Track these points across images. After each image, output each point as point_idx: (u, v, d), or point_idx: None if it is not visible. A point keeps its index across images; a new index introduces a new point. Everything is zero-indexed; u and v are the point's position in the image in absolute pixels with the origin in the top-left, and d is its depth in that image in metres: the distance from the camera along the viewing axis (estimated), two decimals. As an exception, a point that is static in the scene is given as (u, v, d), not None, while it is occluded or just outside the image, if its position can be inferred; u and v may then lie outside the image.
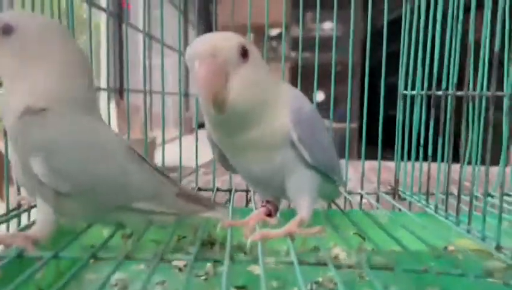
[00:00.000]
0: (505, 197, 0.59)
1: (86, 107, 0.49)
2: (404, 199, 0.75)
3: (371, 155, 0.86)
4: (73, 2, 0.74)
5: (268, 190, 0.57)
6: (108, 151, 0.49)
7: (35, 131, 0.45)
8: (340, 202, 0.75)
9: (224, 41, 0.44)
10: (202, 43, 0.44)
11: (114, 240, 0.52)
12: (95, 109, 0.51)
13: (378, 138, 0.79)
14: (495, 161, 0.52)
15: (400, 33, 0.77)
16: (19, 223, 0.60)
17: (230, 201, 0.67)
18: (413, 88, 0.73)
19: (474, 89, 0.59)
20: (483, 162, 0.53)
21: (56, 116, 0.46)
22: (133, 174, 0.49)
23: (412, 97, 0.74)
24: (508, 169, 0.60)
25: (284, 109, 0.49)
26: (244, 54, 0.44)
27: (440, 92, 0.60)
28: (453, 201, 0.62)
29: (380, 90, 0.77)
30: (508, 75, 0.48)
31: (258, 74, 0.46)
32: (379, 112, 0.79)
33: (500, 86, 0.49)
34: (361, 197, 0.75)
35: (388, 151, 0.83)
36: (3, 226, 0.57)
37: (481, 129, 0.69)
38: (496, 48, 0.46)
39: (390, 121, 0.80)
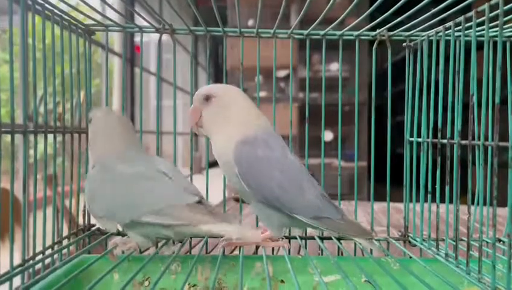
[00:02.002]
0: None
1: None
2: (415, 245, 0.75)
3: (380, 194, 0.86)
4: (91, 48, 0.79)
5: None
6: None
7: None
8: (350, 247, 0.75)
9: (198, 92, 0.67)
10: None
11: (126, 288, 0.53)
12: None
13: (387, 177, 0.80)
14: (504, 203, 0.53)
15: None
16: (23, 280, 0.58)
17: (239, 250, 0.67)
18: (419, 135, 0.75)
19: (479, 138, 0.60)
20: (491, 203, 0.54)
21: None
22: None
23: (418, 143, 0.75)
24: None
25: (233, 143, 0.63)
26: (207, 98, 0.65)
27: (445, 141, 0.62)
28: (463, 247, 0.62)
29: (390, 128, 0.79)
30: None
31: (216, 110, 0.65)
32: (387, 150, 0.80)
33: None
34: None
35: (397, 190, 0.83)
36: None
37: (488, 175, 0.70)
38: (497, 102, 0.48)
39: (399, 159, 0.81)
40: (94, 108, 0.72)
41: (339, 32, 0.79)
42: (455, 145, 0.59)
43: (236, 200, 1.62)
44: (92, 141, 0.68)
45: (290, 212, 0.62)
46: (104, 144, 0.66)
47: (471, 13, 0.58)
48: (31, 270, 0.59)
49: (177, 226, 0.56)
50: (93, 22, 0.77)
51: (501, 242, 0.76)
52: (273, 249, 0.77)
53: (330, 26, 0.77)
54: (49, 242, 0.65)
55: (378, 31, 0.78)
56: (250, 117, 0.66)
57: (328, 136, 3.09)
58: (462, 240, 0.70)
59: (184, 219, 0.55)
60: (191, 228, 0.56)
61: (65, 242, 0.69)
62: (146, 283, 0.64)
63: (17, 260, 0.58)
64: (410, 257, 0.69)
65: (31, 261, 0.59)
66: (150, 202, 0.57)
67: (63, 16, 0.69)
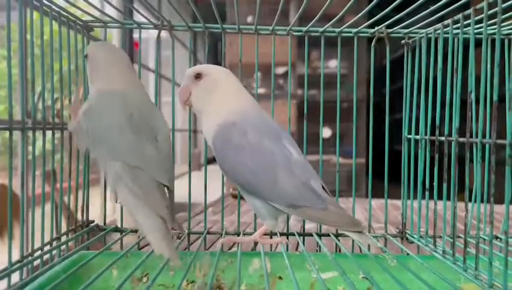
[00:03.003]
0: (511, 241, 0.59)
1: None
2: (412, 242, 0.75)
3: (378, 191, 0.86)
4: (89, 44, 0.79)
5: None
6: None
7: None
8: (348, 244, 0.76)
9: (189, 71, 0.68)
10: None
11: (124, 285, 0.53)
12: None
13: (385, 174, 0.80)
14: (501, 200, 0.53)
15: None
16: (22, 276, 0.58)
17: (237, 246, 0.67)
18: (417, 132, 0.75)
19: (476, 135, 0.60)
20: (489, 201, 0.54)
21: None
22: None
23: (416, 140, 0.75)
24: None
25: (214, 126, 0.64)
26: (197, 76, 0.67)
27: (443, 138, 0.62)
28: (460, 244, 0.62)
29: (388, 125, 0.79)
30: (509, 124, 0.50)
31: (205, 88, 0.66)
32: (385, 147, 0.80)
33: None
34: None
35: (395, 186, 0.83)
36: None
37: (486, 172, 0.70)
38: (495, 99, 0.48)
39: (397, 156, 0.81)
40: (91, 43, 0.71)
41: (337, 29, 0.79)
42: (453, 143, 0.60)
43: (235, 196, 1.62)
44: (90, 75, 0.65)
45: (265, 200, 0.60)
46: (104, 77, 0.64)
47: (470, 11, 0.58)
48: (29, 266, 0.59)
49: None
50: (91, 18, 0.77)
51: (498, 239, 0.76)
52: (271, 245, 0.77)
53: (329, 23, 0.77)
54: (47, 238, 0.65)
55: (376, 28, 0.78)
56: (234, 100, 0.66)
57: (326, 132, 3.09)
58: (459, 237, 0.70)
59: (138, 185, 0.55)
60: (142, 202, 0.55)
61: (64, 238, 0.70)
62: (145, 279, 0.65)
63: (15, 256, 0.58)
64: (408, 254, 0.69)
65: (30, 258, 0.60)
66: (128, 155, 0.56)
67: (61, 12, 0.69)
